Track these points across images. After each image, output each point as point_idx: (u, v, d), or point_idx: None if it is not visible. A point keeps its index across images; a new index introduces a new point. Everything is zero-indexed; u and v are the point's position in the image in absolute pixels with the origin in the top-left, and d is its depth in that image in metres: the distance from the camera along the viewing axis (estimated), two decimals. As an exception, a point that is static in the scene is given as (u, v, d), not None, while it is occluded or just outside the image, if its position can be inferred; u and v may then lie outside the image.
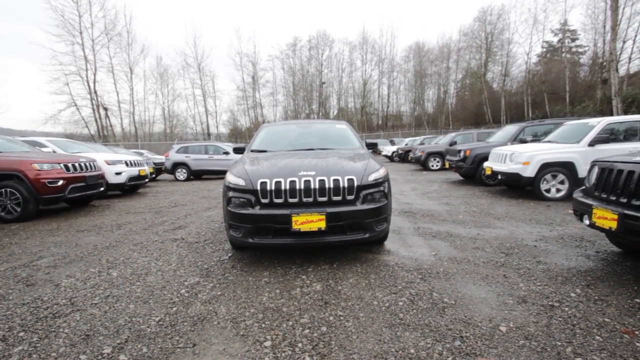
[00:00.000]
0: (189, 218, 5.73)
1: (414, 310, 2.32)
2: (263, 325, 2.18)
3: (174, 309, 2.44)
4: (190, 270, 3.21)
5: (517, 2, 56.26)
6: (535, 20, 37.52)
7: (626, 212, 2.56)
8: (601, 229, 2.83)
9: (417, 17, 68.61)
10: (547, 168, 6.36)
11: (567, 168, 6.31)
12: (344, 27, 72.71)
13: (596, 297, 2.48)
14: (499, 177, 7.00)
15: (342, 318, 2.24)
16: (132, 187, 9.26)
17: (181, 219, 5.65)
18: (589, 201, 3.04)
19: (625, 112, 22.08)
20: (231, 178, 3.26)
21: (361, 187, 3.07)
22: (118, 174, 8.16)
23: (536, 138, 8.44)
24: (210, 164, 13.20)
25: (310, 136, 4.58)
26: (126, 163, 8.47)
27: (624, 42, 26.36)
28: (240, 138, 45.20)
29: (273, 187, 2.98)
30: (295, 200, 2.98)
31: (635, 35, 26.38)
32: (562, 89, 33.84)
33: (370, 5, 71.71)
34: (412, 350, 1.87)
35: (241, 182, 3.12)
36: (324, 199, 3.00)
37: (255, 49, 53.93)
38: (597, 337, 1.96)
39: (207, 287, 2.81)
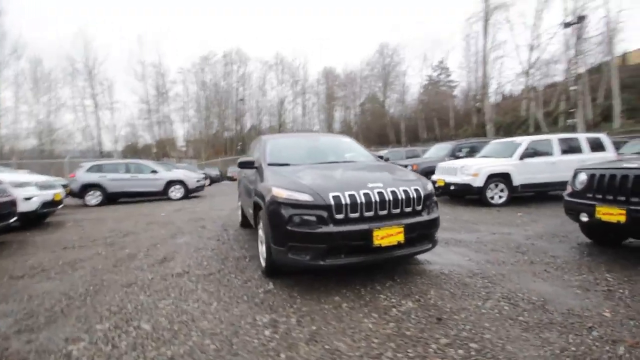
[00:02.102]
0: (161, 248, 4.75)
1: (525, 313, 2.39)
2: (409, 354, 1.94)
3: (283, 355, 1.97)
4: (245, 307, 2.65)
5: (411, 41, 65.71)
6: (425, 57, 44.43)
7: (631, 207, 3.19)
8: (607, 223, 3.43)
9: (328, 44, 73.90)
10: (492, 178, 7.47)
11: (505, 178, 7.53)
12: (259, 47, 73.46)
13: (625, 279, 2.98)
14: (452, 187, 7.89)
15: (474, 332, 2.16)
16: (39, 216, 7.23)
17: (153, 250, 4.64)
18: (587, 201, 3.68)
19: (496, 135, 27.66)
20: (288, 193, 2.86)
21: (425, 198, 3.08)
22: (27, 199, 6.28)
23: (466, 154, 9.86)
24: (133, 184, 11.29)
25: (326, 149, 4.39)
26: (37, 186, 6.59)
27: (492, 78, 33.25)
28: (142, 155, 40.18)
29: (348, 201, 2.74)
30: (371, 213, 2.80)
31: (499, 75, 33.66)
32: (446, 115, 40.55)
33: (284, 28, 74.30)
34: (573, 348, 1.92)
35: (307, 198, 2.77)
36: (397, 210, 2.89)
37: (160, 59, 49.02)
38: (671, 310, 2.35)
39: (291, 322, 2.37)
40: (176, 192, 11.81)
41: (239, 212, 6.17)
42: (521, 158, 7.59)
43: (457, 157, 9.81)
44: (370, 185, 2.90)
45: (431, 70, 49.64)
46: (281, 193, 2.91)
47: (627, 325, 2.16)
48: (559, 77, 28.97)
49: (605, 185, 3.55)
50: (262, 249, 3.45)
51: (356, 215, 2.76)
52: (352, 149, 4.53)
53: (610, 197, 3.47)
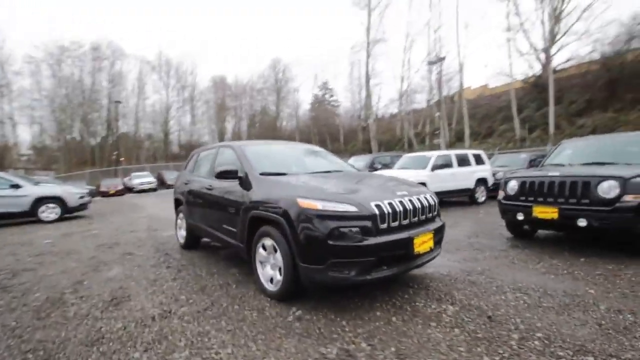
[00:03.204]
0: (94, 286, 3.56)
1: (542, 299, 2.77)
2: (503, 354, 1.99)
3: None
4: (295, 341, 2.24)
5: (303, 60, 69.18)
6: (316, 77, 47.51)
7: (562, 207, 4.11)
8: (542, 220, 4.30)
9: (218, 53, 70.80)
10: (413, 187, 8.45)
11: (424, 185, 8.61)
12: (138, 44, 64.45)
13: (568, 262, 3.78)
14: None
15: (527, 323, 2.38)
16: None
17: (83, 290, 3.43)
18: (523, 203, 4.55)
19: (379, 150, 31.58)
20: (324, 204, 2.58)
21: (437, 204, 3.26)
22: None
23: (382, 167, 10.91)
24: (-21, 205, 8.16)
25: (310, 157, 4.16)
26: None
27: (372, 101, 37.84)
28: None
29: (390, 210, 2.66)
30: (407, 221, 2.78)
31: (379, 99, 38.63)
32: (337, 131, 44.08)
33: (168, 28, 67.55)
34: (603, 321, 2.32)
35: (350, 208, 2.56)
36: (423, 217, 2.97)
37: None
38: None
39: (364, 348, 2.13)
40: (49, 212, 9.11)
41: (181, 233, 5.20)
42: (432, 169, 8.87)
43: (375, 169, 10.76)
44: (399, 193, 2.90)
45: (317, 89, 53.59)
46: (313, 204, 2.61)
47: (613, 297, 2.75)
48: (423, 104, 35.39)
49: (535, 190, 4.47)
50: (268, 271, 3.02)
51: (396, 224, 2.71)
52: (329, 157, 4.44)
53: (541, 199, 4.40)
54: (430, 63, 25.92)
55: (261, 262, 3.12)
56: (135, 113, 42.59)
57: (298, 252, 2.63)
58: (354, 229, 2.53)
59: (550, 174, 4.44)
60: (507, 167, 11.23)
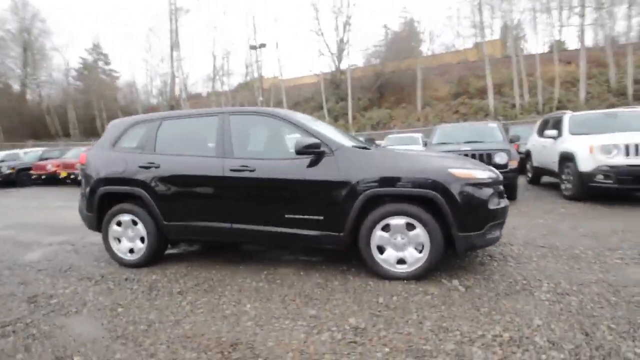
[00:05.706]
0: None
1: (583, 226, 4.03)
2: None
3: None
4: (529, 305, 2.33)
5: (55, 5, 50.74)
6: (97, 37, 37.00)
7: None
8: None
9: None
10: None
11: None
12: None
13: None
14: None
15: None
16: None
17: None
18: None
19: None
20: (472, 172, 2.77)
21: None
22: None
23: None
24: None
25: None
26: None
27: (177, 77, 33.93)
28: None
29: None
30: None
31: (186, 77, 34.92)
32: (130, 108, 36.66)
33: None
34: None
35: (493, 174, 2.89)
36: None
37: None
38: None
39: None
40: None
41: (126, 245, 3.38)
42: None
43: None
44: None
45: (86, 53, 42.40)
46: (468, 174, 2.73)
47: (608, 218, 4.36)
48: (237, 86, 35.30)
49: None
50: (393, 254, 2.80)
51: (496, 187, 3.20)
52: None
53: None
54: (252, 48, 26.22)
55: (379, 247, 2.80)
56: None
57: (458, 223, 2.63)
58: (497, 193, 2.84)
59: (462, 148, 6.11)
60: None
